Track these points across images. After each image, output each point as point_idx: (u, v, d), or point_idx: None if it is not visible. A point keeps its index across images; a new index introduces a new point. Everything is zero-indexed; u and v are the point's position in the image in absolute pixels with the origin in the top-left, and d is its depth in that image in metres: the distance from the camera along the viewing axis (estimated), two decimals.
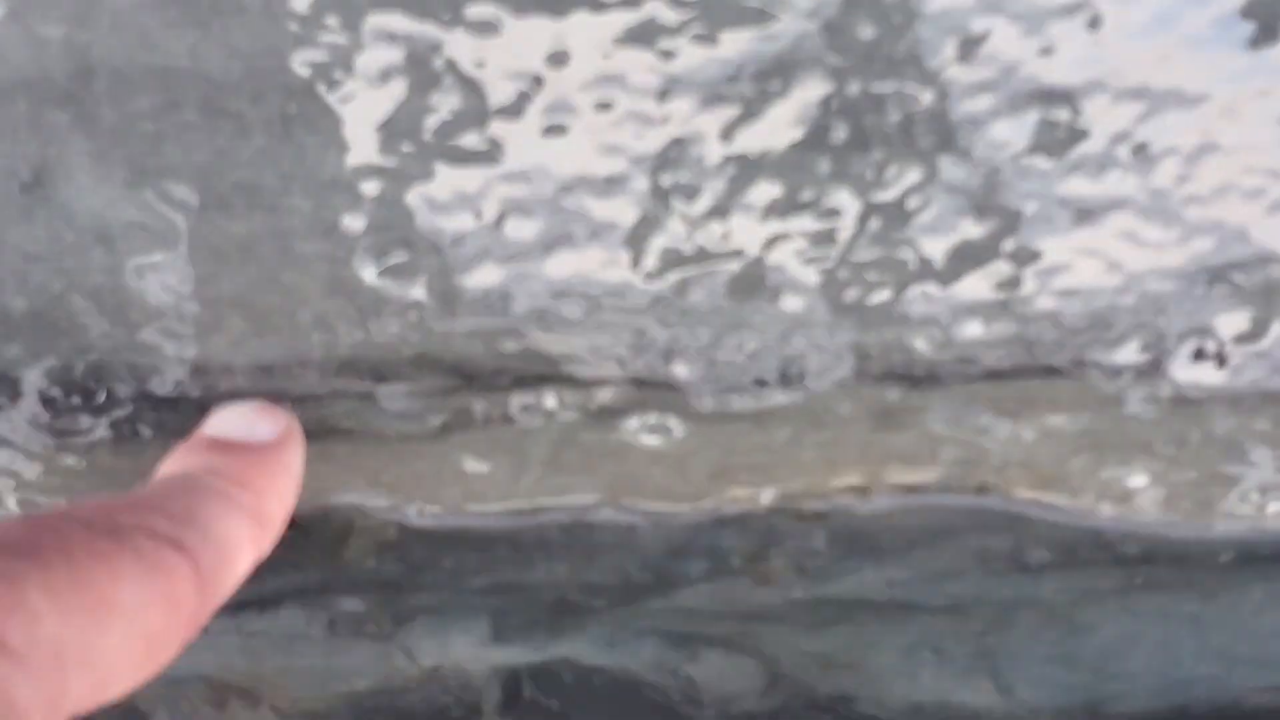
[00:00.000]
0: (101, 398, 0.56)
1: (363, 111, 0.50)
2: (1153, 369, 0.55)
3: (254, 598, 0.65)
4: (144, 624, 0.41)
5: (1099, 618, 0.65)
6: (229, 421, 0.53)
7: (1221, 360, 0.55)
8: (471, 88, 0.49)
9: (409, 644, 0.67)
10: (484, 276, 0.53)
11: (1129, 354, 0.55)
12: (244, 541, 0.49)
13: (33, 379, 0.56)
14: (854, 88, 0.49)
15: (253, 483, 0.50)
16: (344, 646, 0.67)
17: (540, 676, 0.67)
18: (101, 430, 0.57)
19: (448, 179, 0.51)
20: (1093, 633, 0.65)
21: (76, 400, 0.56)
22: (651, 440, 0.58)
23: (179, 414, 0.57)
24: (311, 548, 0.61)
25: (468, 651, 0.67)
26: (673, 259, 0.53)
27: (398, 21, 0.48)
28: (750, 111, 0.50)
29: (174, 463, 0.51)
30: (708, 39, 0.48)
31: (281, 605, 0.66)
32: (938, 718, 0.68)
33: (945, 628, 0.65)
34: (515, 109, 0.50)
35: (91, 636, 0.39)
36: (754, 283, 0.53)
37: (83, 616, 0.39)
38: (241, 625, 0.67)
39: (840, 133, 0.50)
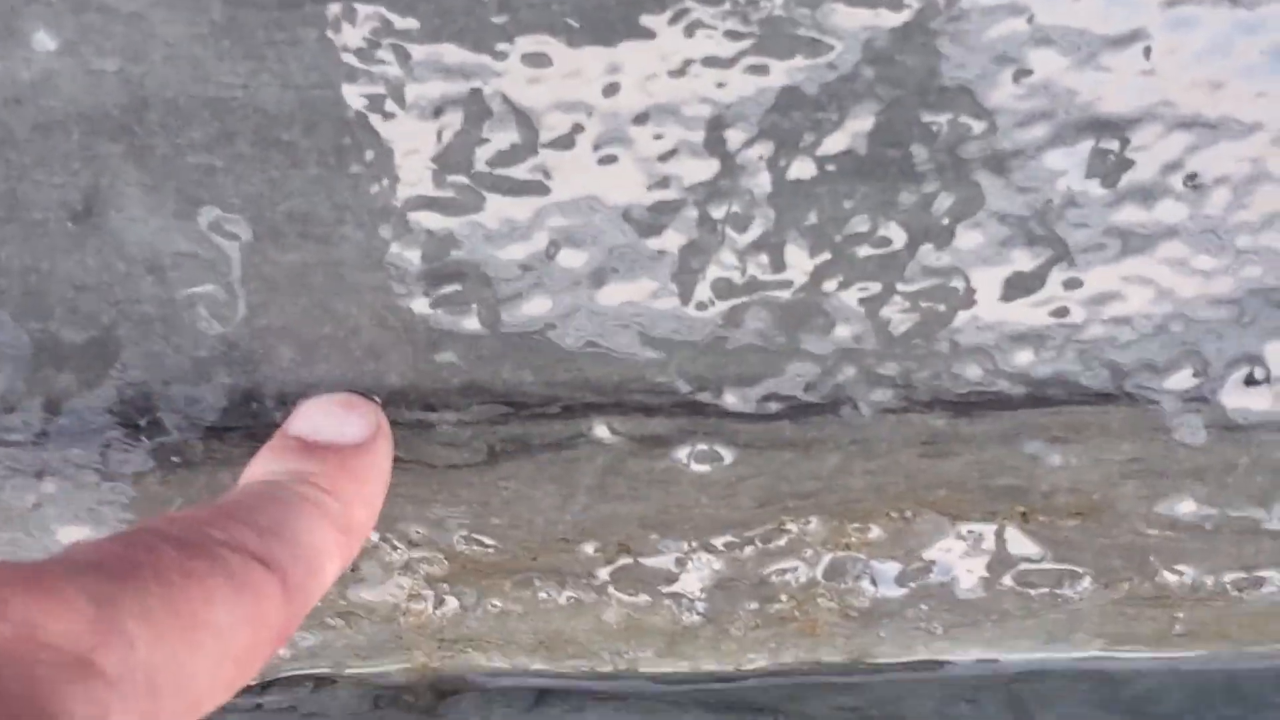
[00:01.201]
0: (150, 427, 0.56)
1: (415, 142, 0.50)
2: (1202, 395, 0.55)
3: None
4: (234, 644, 0.41)
5: None
6: (317, 418, 0.53)
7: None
8: (523, 119, 0.49)
9: None
10: (535, 307, 0.53)
11: (1179, 381, 0.55)
12: (331, 551, 0.48)
13: (82, 408, 0.56)
14: (905, 117, 0.49)
15: (342, 490, 0.50)
16: None
17: None
18: (150, 459, 0.57)
19: (499, 209, 0.51)
20: None
21: (125, 430, 0.56)
22: (700, 468, 0.58)
23: (227, 444, 0.57)
24: None
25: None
26: (723, 289, 0.53)
27: (451, 53, 0.48)
28: (802, 141, 0.50)
29: (261, 465, 0.51)
30: (760, 69, 0.48)
31: None
32: None
33: None
34: (567, 140, 0.50)
35: (184, 659, 0.39)
36: (804, 312, 0.53)
37: (176, 640, 0.39)
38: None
39: (891, 163, 0.50)
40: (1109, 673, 0.65)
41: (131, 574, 0.39)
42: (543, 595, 0.62)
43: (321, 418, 0.52)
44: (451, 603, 0.63)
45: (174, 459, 0.57)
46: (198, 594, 0.40)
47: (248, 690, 0.63)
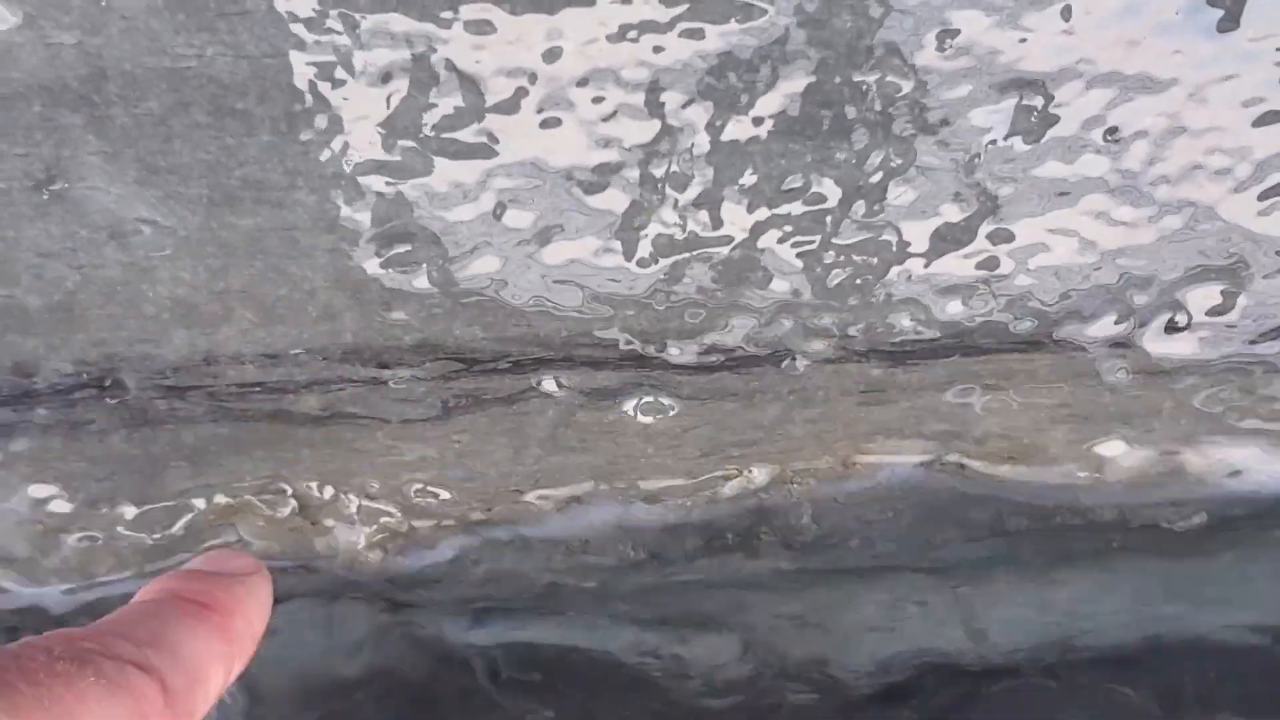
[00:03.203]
0: (113, 387, 0.58)
1: (364, 108, 0.52)
2: (1127, 342, 0.57)
3: None
4: None
5: (1073, 575, 0.67)
6: (200, 559, 0.55)
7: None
8: (469, 84, 0.51)
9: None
10: (483, 266, 0.55)
11: (1104, 328, 0.57)
12: (214, 660, 0.49)
13: (48, 370, 0.57)
14: (836, 78, 0.51)
15: (222, 603, 0.51)
16: None
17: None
18: (114, 418, 0.59)
19: (447, 171, 0.53)
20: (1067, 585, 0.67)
21: (91, 390, 0.58)
22: (646, 419, 0.60)
23: (189, 403, 0.59)
24: None
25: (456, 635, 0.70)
26: (665, 245, 0.55)
27: (397, 21, 0.50)
28: (737, 102, 0.52)
29: (143, 592, 0.52)
30: (696, 33, 0.50)
31: None
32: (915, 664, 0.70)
33: (927, 584, 0.68)
34: (511, 104, 0.52)
35: None
36: (743, 267, 0.55)
37: None
38: None
39: (824, 122, 0.52)
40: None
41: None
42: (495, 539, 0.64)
43: (205, 558, 0.54)
44: (409, 553, 0.65)
45: (137, 418, 0.59)
46: (69, 695, 0.41)
47: None
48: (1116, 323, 0.57)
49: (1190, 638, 0.69)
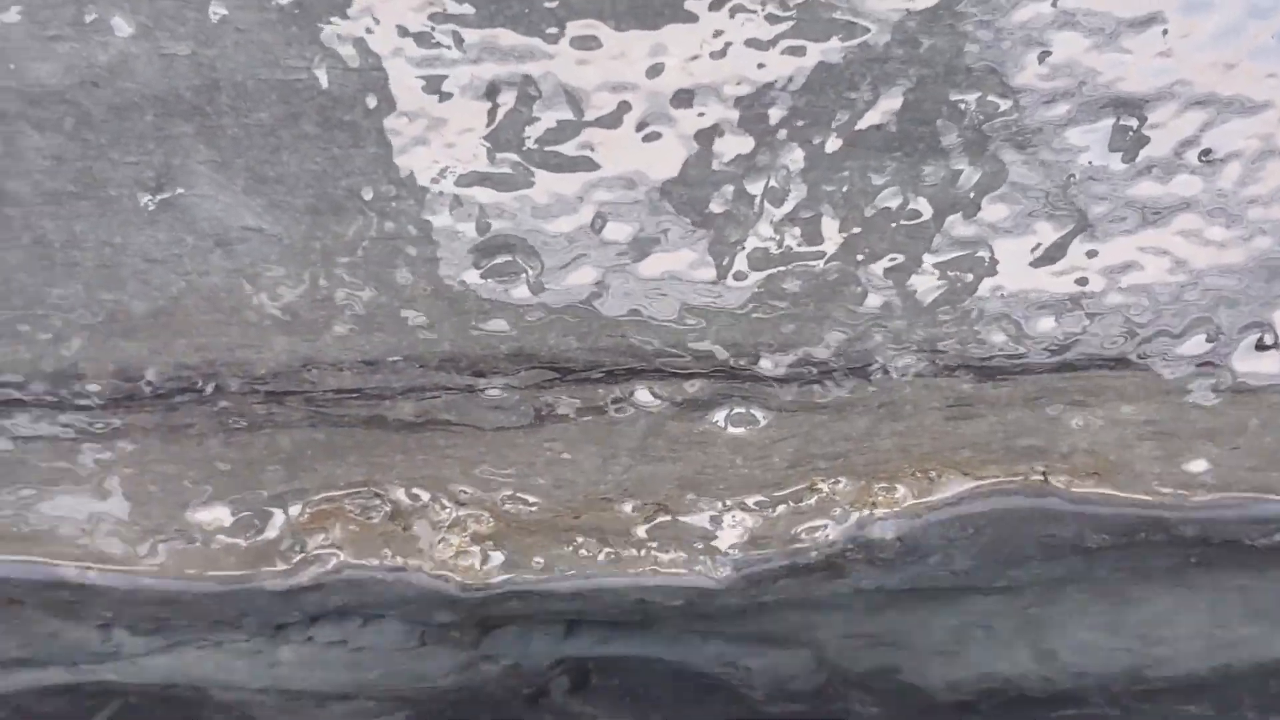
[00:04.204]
0: (214, 392, 0.59)
1: (469, 121, 0.53)
2: (1215, 360, 0.58)
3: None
4: None
5: (1149, 592, 0.68)
6: None
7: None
8: (572, 99, 0.52)
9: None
10: (580, 277, 0.56)
11: (1193, 346, 0.58)
12: None
13: (151, 374, 0.59)
14: (934, 96, 0.52)
15: None
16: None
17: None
18: (213, 422, 0.60)
19: (548, 184, 0.54)
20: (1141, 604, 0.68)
21: (191, 395, 0.59)
22: (736, 430, 0.61)
23: (287, 408, 0.60)
24: None
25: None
26: (759, 259, 0.56)
27: (504, 37, 0.51)
28: (835, 119, 0.53)
29: None
30: (798, 50, 0.51)
31: None
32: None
33: (998, 607, 0.68)
34: (613, 119, 0.53)
35: None
36: (837, 281, 0.56)
37: None
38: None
39: (920, 139, 0.53)
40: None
41: None
42: (583, 552, 0.65)
43: None
44: (496, 558, 0.66)
45: (235, 423, 0.60)
46: None
47: (296, 623, 0.66)
48: (1206, 341, 0.57)
49: (1267, 660, 0.70)
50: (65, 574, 0.61)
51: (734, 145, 0.53)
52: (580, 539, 0.64)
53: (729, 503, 0.62)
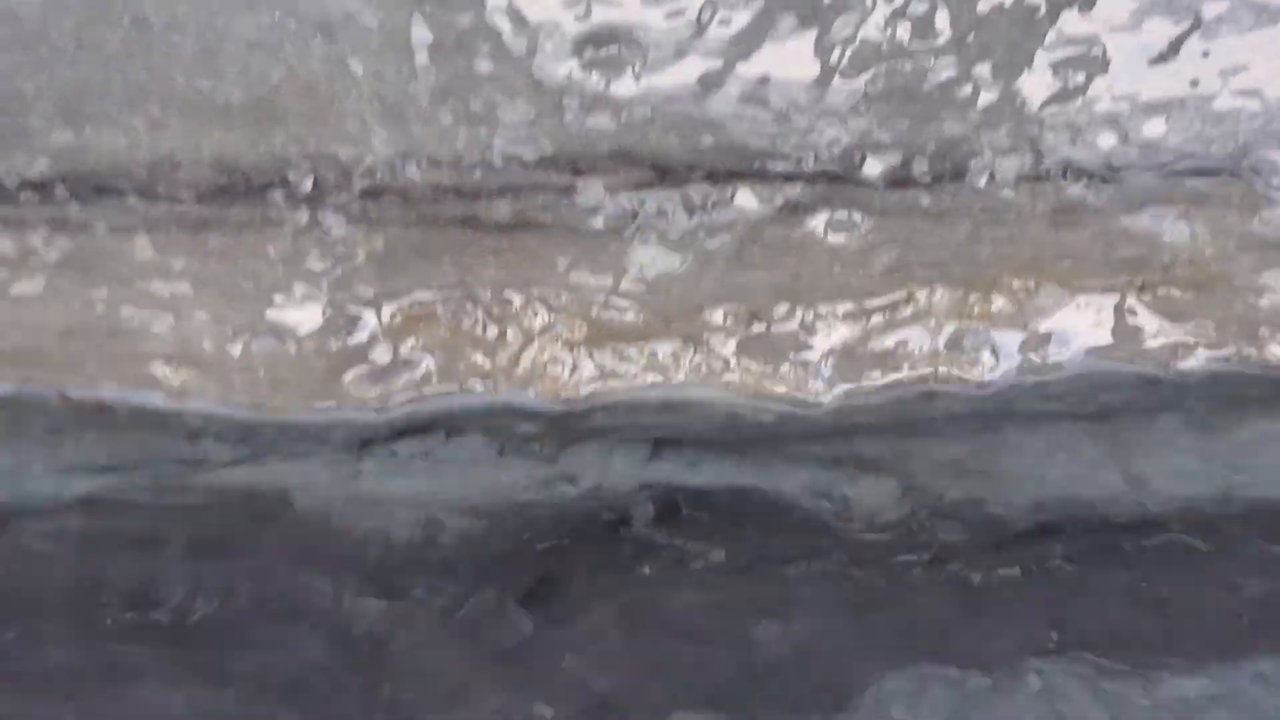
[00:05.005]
0: (312, 188, 0.59)
1: None
2: None
3: None
4: None
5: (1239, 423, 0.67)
6: None
7: None
8: None
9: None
10: (684, 73, 0.56)
11: None
12: None
13: (246, 166, 0.58)
14: None
15: None
16: None
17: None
18: (308, 217, 0.60)
19: None
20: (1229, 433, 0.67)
21: (285, 189, 0.59)
22: (835, 237, 0.60)
23: (382, 205, 0.59)
24: None
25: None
26: (869, 57, 0.55)
27: None
28: None
29: None
30: None
31: None
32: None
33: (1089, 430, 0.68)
34: None
35: None
36: (946, 81, 0.55)
37: None
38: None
39: None
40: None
41: None
42: (673, 361, 0.65)
43: None
44: (586, 365, 0.66)
45: (329, 219, 0.59)
46: None
47: (380, 437, 0.66)
48: None
49: None
50: (156, 372, 0.60)
51: None
52: (671, 347, 0.63)
53: (823, 311, 0.61)
